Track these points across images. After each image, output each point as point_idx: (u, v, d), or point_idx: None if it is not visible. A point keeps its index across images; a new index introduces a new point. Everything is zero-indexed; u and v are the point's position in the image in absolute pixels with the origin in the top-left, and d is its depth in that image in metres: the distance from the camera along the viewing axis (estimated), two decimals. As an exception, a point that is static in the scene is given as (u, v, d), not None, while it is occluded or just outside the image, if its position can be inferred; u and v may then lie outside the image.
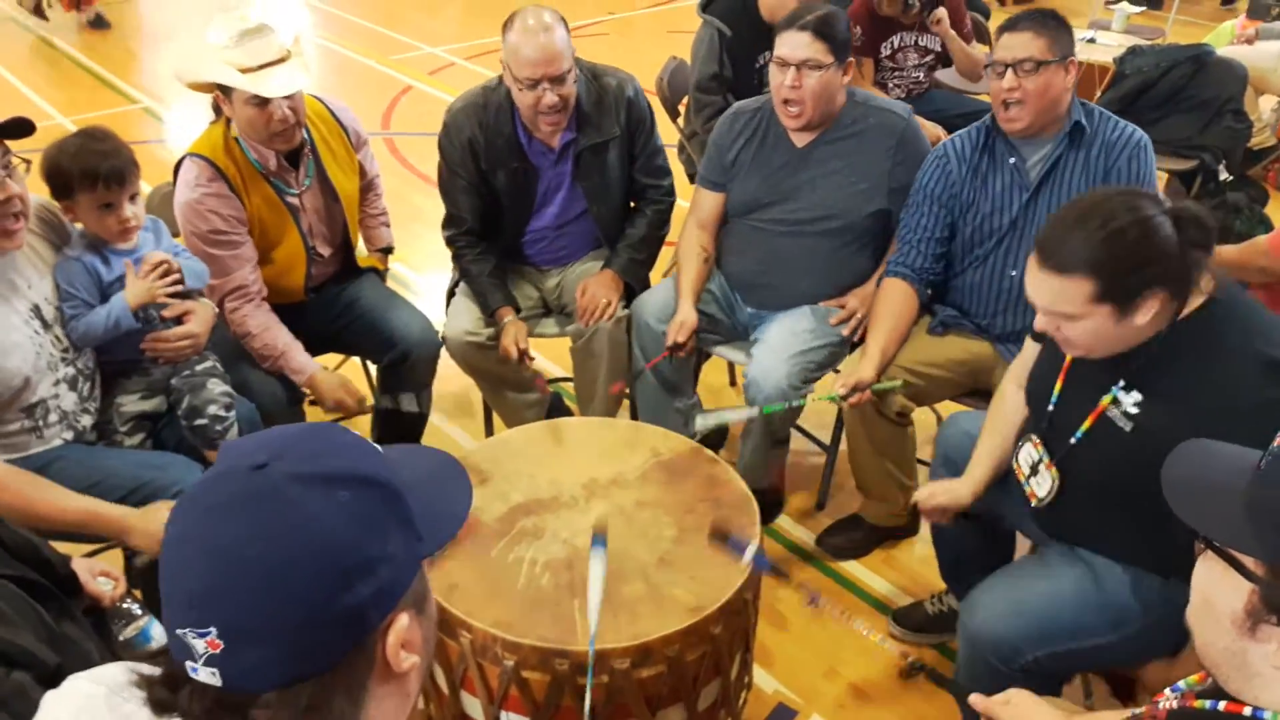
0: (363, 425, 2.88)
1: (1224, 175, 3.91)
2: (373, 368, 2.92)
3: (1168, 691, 1.16)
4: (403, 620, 0.81)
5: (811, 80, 2.37)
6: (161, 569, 0.79)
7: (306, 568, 0.76)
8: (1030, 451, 1.81)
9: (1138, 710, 1.18)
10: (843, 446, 2.64)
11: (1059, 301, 1.57)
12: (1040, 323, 1.64)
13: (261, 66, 2.22)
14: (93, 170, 2.00)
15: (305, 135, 2.42)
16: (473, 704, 1.73)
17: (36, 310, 1.96)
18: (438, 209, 2.74)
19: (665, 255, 2.91)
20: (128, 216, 2.08)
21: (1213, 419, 1.35)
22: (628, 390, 2.77)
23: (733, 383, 3.44)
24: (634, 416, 2.87)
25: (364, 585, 0.78)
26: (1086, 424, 1.69)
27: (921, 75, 3.89)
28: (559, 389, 3.24)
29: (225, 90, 2.27)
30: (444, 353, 2.70)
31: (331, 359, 2.90)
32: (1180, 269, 1.51)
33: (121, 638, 1.64)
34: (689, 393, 2.76)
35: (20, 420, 1.94)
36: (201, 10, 8.13)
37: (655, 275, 2.88)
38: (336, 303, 2.65)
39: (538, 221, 2.71)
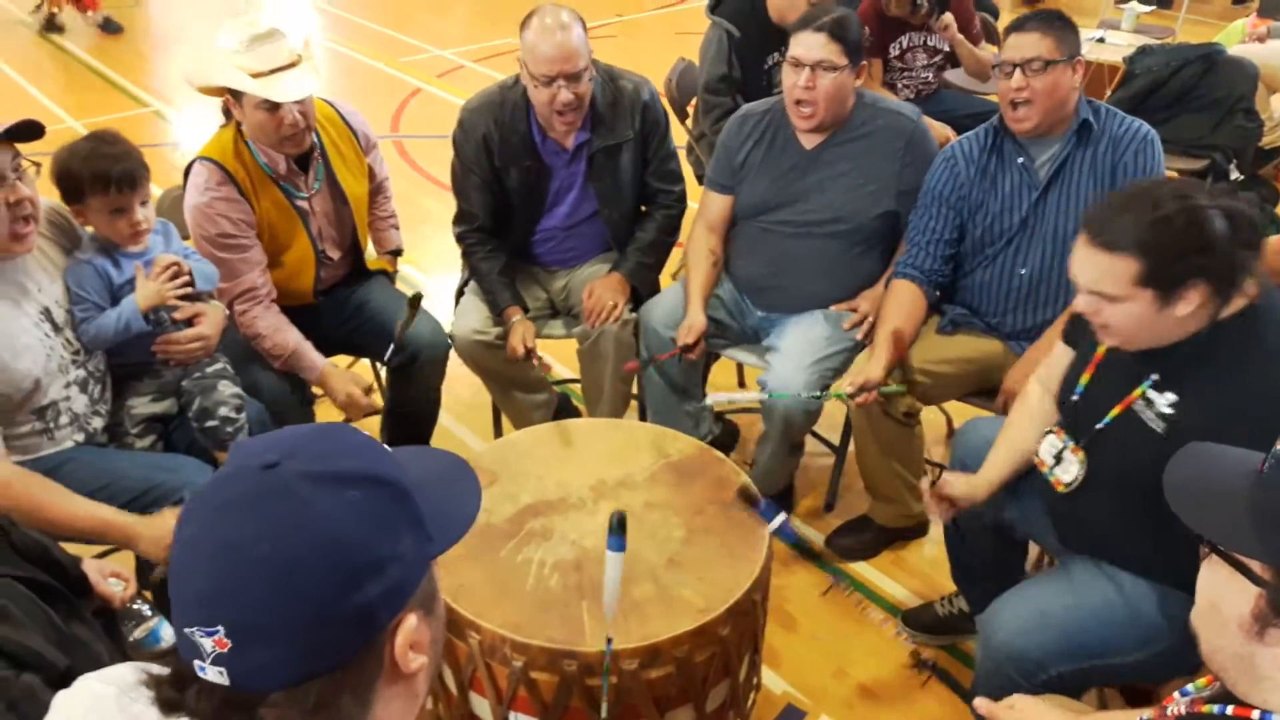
0: (372, 426, 2.88)
1: (1235, 175, 3.90)
2: (382, 369, 2.93)
3: (1176, 695, 1.15)
4: (411, 620, 0.81)
5: (825, 81, 2.37)
6: (170, 568, 0.80)
7: (316, 566, 0.76)
8: (1052, 441, 1.80)
9: (1145, 715, 1.17)
10: (851, 448, 2.64)
11: (1103, 281, 1.55)
12: (1080, 303, 1.63)
13: (272, 71, 2.23)
14: (104, 174, 2.01)
15: (315, 139, 2.43)
16: (481, 704, 1.73)
17: (47, 313, 1.97)
18: (446, 211, 2.75)
19: (674, 256, 2.90)
20: (139, 220, 2.09)
21: (1251, 425, 1.34)
22: (635, 391, 2.76)
23: (741, 384, 3.43)
24: (643, 418, 2.87)
25: (373, 585, 0.78)
26: (1115, 411, 1.67)
27: (930, 75, 3.88)
28: (567, 390, 3.25)
29: (236, 94, 2.27)
30: (453, 355, 2.70)
31: (341, 361, 2.90)
32: (1227, 266, 1.50)
33: (132, 639, 1.64)
34: (698, 395, 2.76)
35: (31, 422, 1.95)
36: (212, 14, 8.18)
37: (664, 276, 2.88)
38: (346, 305, 2.66)
39: (548, 221, 2.72)
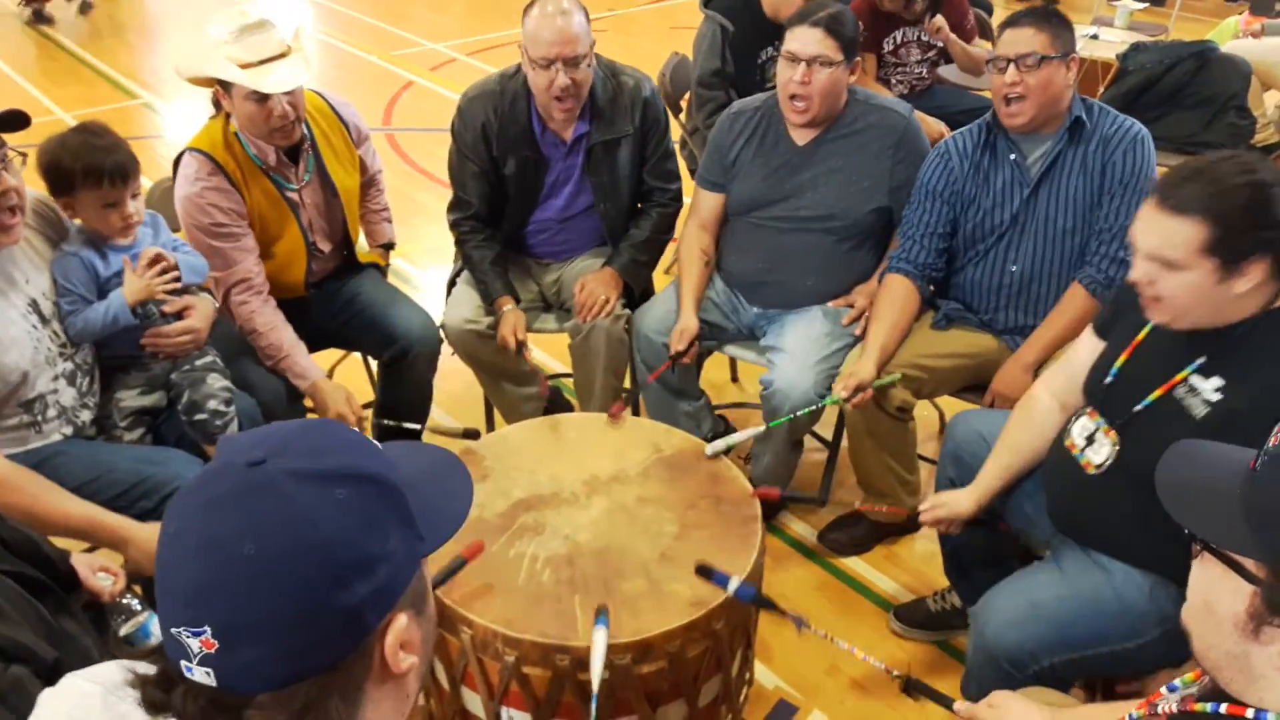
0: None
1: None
2: (373, 363, 2.91)
3: (1164, 691, 1.15)
4: (401, 620, 0.80)
5: (821, 76, 2.37)
6: (157, 566, 0.78)
7: (303, 565, 0.74)
8: (1085, 424, 1.78)
9: (1134, 713, 1.16)
10: (844, 443, 2.64)
11: (1166, 245, 1.53)
12: (1137, 270, 1.60)
13: (262, 62, 2.21)
14: (97, 167, 1.99)
15: (305, 131, 2.41)
16: (473, 699, 1.72)
17: (34, 305, 1.96)
18: (439, 205, 2.74)
19: (668, 251, 2.90)
20: (130, 213, 2.07)
21: None
22: (627, 386, 2.76)
23: (734, 379, 3.43)
24: (635, 413, 2.87)
25: (362, 584, 0.77)
26: (1156, 394, 1.65)
27: (924, 71, 3.88)
28: (559, 384, 3.24)
29: (225, 85, 2.26)
30: (444, 350, 2.69)
31: (332, 354, 2.89)
32: None
33: (121, 633, 1.63)
34: (695, 394, 2.76)
35: (19, 415, 1.93)
36: (201, 5, 8.13)
37: (657, 272, 2.87)
38: (337, 298, 2.65)
39: (542, 213, 2.72)
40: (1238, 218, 1.48)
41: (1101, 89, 4.19)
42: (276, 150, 2.37)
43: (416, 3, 9.01)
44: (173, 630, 0.76)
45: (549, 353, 3.52)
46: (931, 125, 3.53)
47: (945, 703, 1.49)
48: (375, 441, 0.88)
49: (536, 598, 1.67)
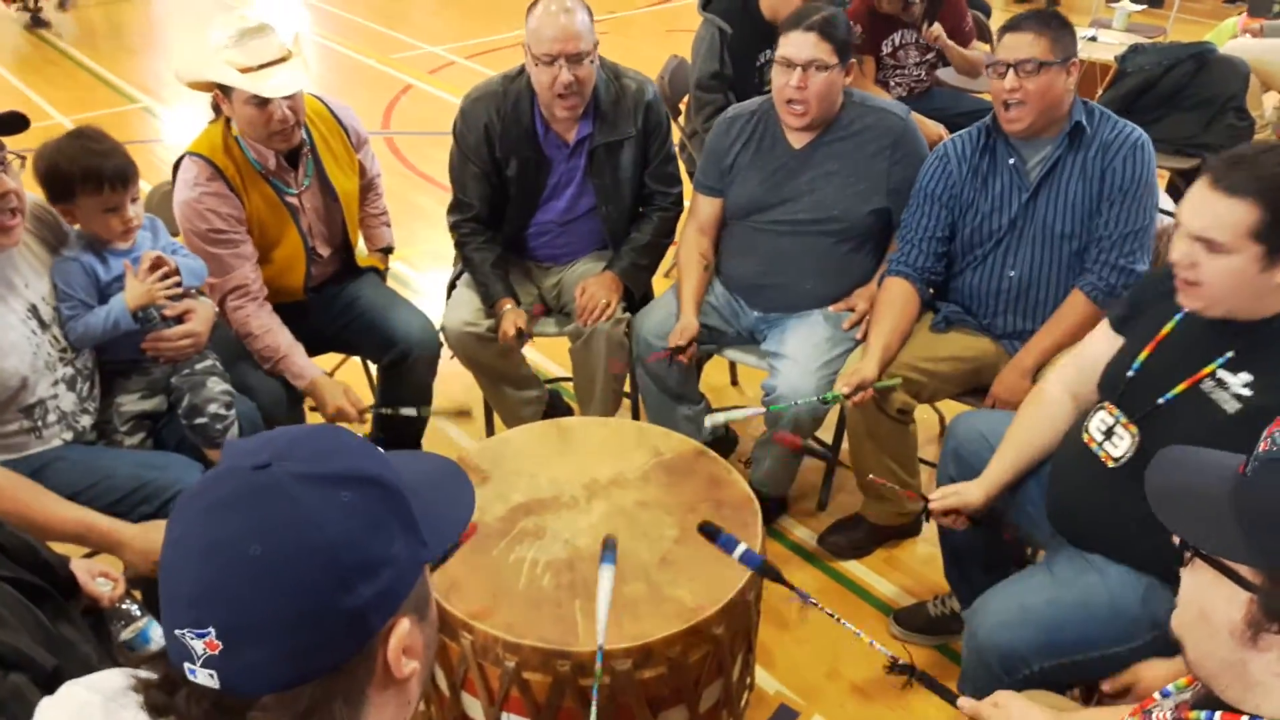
0: (361, 427, 2.87)
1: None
2: (373, 367, 2.91)
3: (1157, 696, 1.14)
4: (404, 625, 0.81)
5: (816, 81, 2.37)
6: (161, 569, 0.78)
7: (307, 567, 0.75)
8: (1103, 418, 1.76)
9: (1128, 718, 1.16)
10: (844, 447, 2.64)
11: (1214, 226, 1.52)
12: (1178, 252, 1.59)
13: (261, 66, 2.21)
14: (97, 172, 1.99)
15: (305, 135, 2.41)
16: (473, 705, 1.72)
17: (34, 310, 1.96)
18: (438, 208, 2.74)
19: (668, 254, 2.89)
20: (130, 217, 2.07)
21: None
22: (627, 390, 2.76)
23: (734, 382, 3.43)
24: (635, 417, 2.87)
25: (366, 587, 0.77)
26: (1180, 387, 1.64)
27: (923, 73, 3.88)
28: (558, 388, 3.24)
29: (225, 90, 2.26)
30: (444, 353, 2.69)
31: (332, 358, 2.89)
32: None
33: (120, 639, 1.63)
34: (695, 398, 2.76)
35: (19, 421, 1.93)
36: (200, 10, 8.14)
37: (656, 275, 2.87)
38: (336, 302, 2.65)
39: (543, 215, 2.72)
40: None
41: (1100, 91, 4.19)
42: (276, 155, 2.37)
43: (415, 6, 9.01)
44: (176, 632, 0.76)
45: (548, 356, 3.52)
46: (930, 128, 3.53)
47: (949, 697, 1.49)
48: (379, 448, 0.88)
49: (536, 602, 1.67)
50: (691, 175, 3.38)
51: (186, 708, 0.77)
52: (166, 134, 5.70)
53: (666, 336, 2.54)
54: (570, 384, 2.97)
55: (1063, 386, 1.94)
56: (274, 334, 2.41)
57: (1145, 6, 6.49)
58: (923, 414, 2.50)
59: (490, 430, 3.01)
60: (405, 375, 2.64)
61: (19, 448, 1.94)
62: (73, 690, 0.86)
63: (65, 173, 2.00)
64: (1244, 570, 0.92)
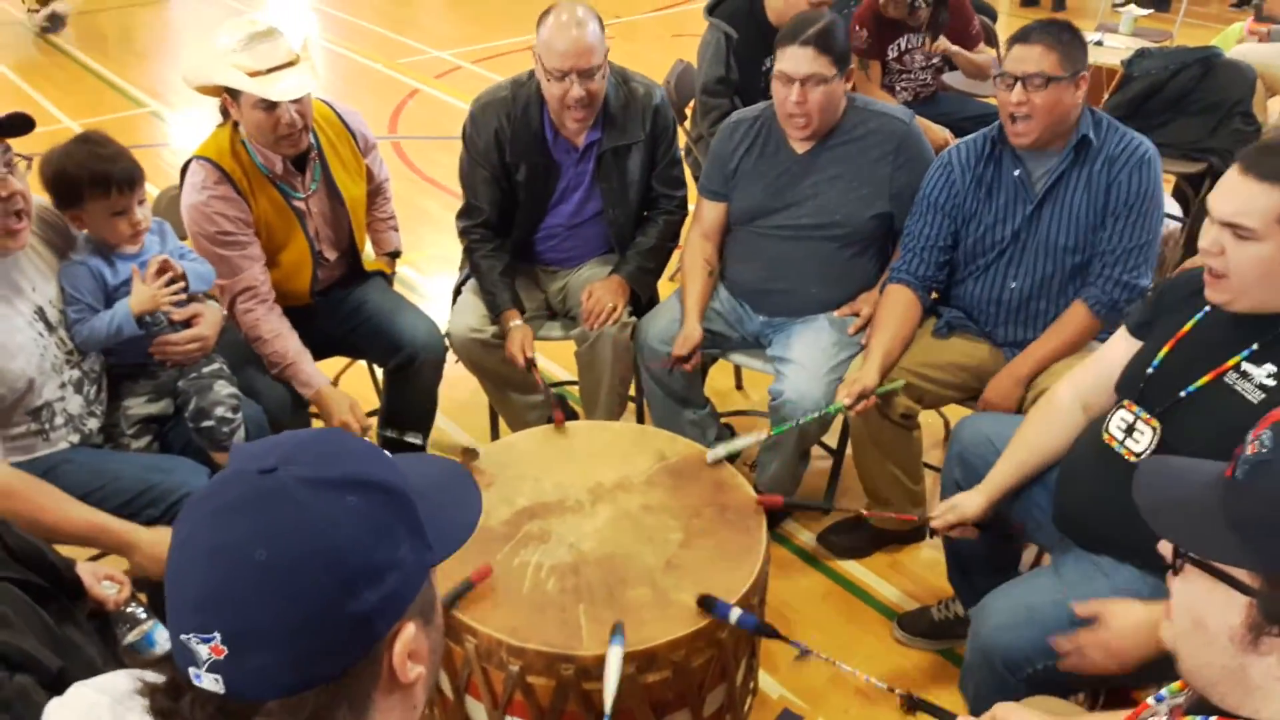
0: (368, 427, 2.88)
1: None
2: (379, 371, 2.92)
3: (1151, 702, 1.14)
4: (410, 630, 0.81)
5: (816, 94, 2.37)
6: (167, 573, 0.79)
7: (313, 571, 0.75)
8: (1124, 415, 1.76)
9: None
10: (849, 451, 2.63)
11: (1244, 212, 1.51)
12: (1206, 239, 1.58)
13: (270, 70, 2.22)
14: (105, 176, 2.00)
15: (312, 139, 2.42)
16: (477, 709, 1.72)
17: (40, 313, 1.96)
18: (444, 212, 2.75)
19: (673, 259, 2.90)
20: (138, 220, 2.08)
21: None
22: (632, 394, 2.75)
23: (739, 386, 3.43)
24: (640, 420, 2.87)
25: (372, 592, 0.77)
26: (1203, 379, 1.64)
27: (929, 77, 3.88)
28: (564, 392, 3.24)
29: (233, 93, 2.27)
30: (450, 358, 2.70)
31: (338, 362, 2.90)
32: None
33: (126, 642, 1.63)
34: (700, 402, 2.76)
35: (26, 423, 1.94)
36: (207, 14, 8.17)
37: (661, 279, 2.87)
38: (343, 306, 2.65)
39: (551, 219, 2.72)
40: None
41: (1106, 95, 4.18)
42: (283, 159, 2.38)
43: (421, 10, 9.04)
44: (182, 637, 0.76)
45: (554, 360, 3.52)
46: (936, 132, 3.53)
47: (948, 718, 1.49)
48: (386, 452, 0.88)
49: (541, 606, 1.67)
50: (697, 179, 3.39)
51: (191, 712, 0.77)
52: (174, 138, 5.72)
53: (671, 341, 2.54)
54: (575, 388, 2.97)
55: (1075, 394, 1.93)
56: (283, 339, 2.42)
57: (1151, 11, 6.48)
58: (927, 419, 2.50)
59: (495, 434, 3.01)
60: (411, 379, 2.65)
61: (26, 450, 1.95)
62: (81, 691, 0.87)
63: (72, 177, 2.00)
64: (1241, 574, 0.92)
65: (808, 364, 2.44)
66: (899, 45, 3.79)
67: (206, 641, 0.74)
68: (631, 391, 2.88)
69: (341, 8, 8.73)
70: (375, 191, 2.75)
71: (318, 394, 2.43)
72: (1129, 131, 2.25)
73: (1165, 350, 1.73)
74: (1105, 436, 1.79)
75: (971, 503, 1.95)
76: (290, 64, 2.25)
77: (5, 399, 1.88)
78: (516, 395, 2.80)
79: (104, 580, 1.65)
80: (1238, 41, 4.79)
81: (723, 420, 2.98)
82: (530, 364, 2.54)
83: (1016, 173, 2.28)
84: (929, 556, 2.69)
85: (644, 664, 1.59)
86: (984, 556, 2.18)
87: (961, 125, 3.64)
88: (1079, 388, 1.94)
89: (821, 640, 2.43)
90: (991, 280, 2.37)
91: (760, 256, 2.59)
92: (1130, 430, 1.74)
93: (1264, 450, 0.94)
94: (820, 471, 2.94)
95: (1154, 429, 1.71)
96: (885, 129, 2.49)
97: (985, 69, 3.80)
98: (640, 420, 2.96)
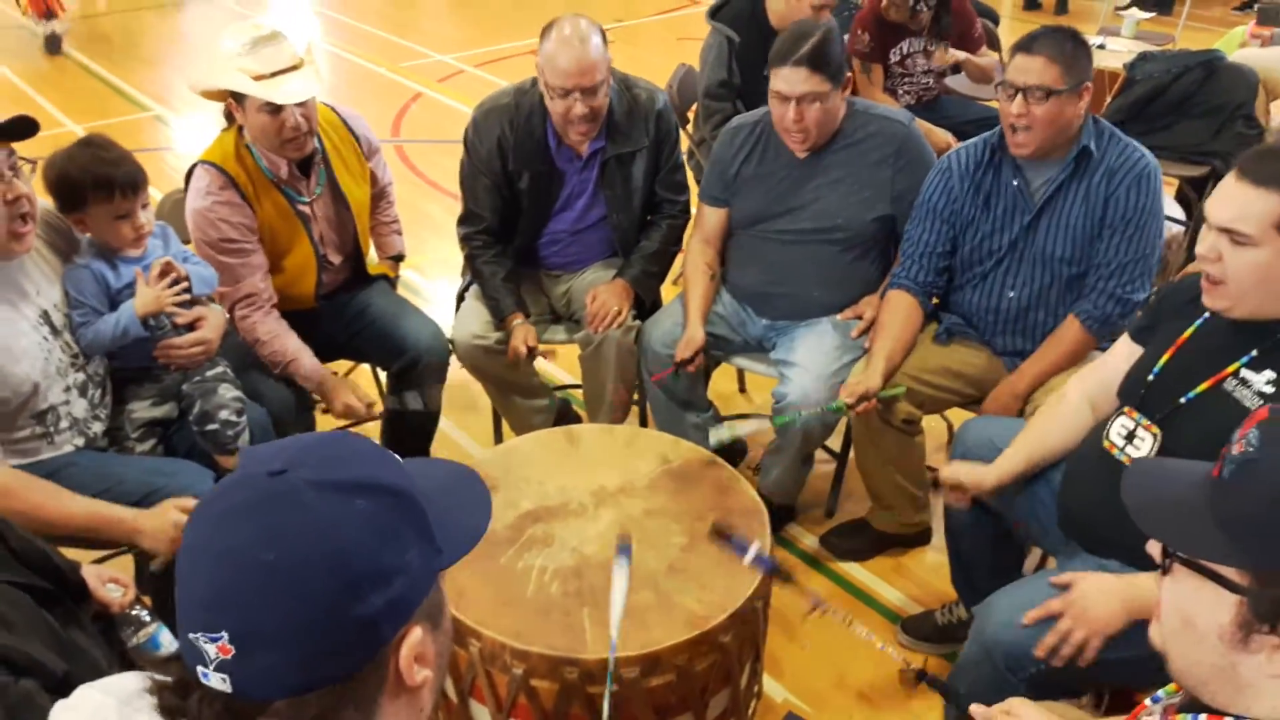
0: (371, 432, 2.88)
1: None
2: (383, 374, 2.92)
3: (1148, 702, 1.14)
4: (417, 633, 0.81)
5: (813, 111, 2.37)
6: (177, 573, 0.79)
7: (320, 573, 0.75)
8: (1124, 422, 1.76)
9: None
10: (852, 455, 2.64)
11: (1241, 218, 1.51)
12: (1204, 245, 1.58)
13: (275, 74, 2.23)
14: (108, 180, 2.01)
15: (317, 144, 2.42)
16: (481, 712, 1.72)
17: (45, 316, 1.97)
18: (447, 216, 2.74)
19: (676, 263, 2.90)
20: (142, 224, 2.09)
21: None
22: (635, 397, 2.75)
23: (742, 390, 3.43)
24: (643, 424, 2.87)
25: (378, 595, 0.77)
26: (1203, 386, 1.64)
27: (931, 81, 3.88)
28: (568, 395, 3.24)
29: (238, 97, 2.27)
30: (454, 360, 2.70)
31: (342, 366, 2.90)
32: None
33: (130, 644, 1.64)
34: (703, 405, 2.76)
35: (31, 426, 1.94)
36: (212, 19, 8.18)
37: (665, 283, 2.88)
38: (347, 310, 2.66)
39: (555, 225, 2.72)
40: None
41: (1109, 99, 4.18)
42: (288, 163, 2.38)
43: (424, 14, 9.06)
44: (190, 636, 0.76)
45: (557, 364, 3.53)
46: (938, 136, 3.54)
47: (960, 703, 1.48)
48: (394, 455, 0.88)
49: (545, 610, 1.67)
50: (699, 183, 3.39)
51: (199, 711, 0.78)
52: (178, 142, 5.73)
53: (674, 345, 2.54)
54: (579, 392, 2.98)
55: (1082, 393, 1.94)
56: (281, 339, 2.42)
57: (1154, 14, 6.49)
58: (931, 422, 2.50)
59: (499, 438, 3.01)
60: (415, 382, 2.65)
61: (31, 453, 1.95)
62: (88, 693, 0.87)
63: (76, 181, 2.01)
64: (1230, 572, 0.92)
65: (811, 367, 2.44)
66: (901, 49, 3.79)
67: (214, 641, 0.75)
68: (635, 396, 2.88)
69: (344, 11, 8.75)
70: (379, 195, 2.75)
71: (320, 384, 2.45)
72: (1130, 143, 2.23)
73: (1166, 357, 1.73)
74: (1106, 443, 1.79)
75: (982, 474, 1.95)
76: (295, 68, 2.26)
77: (10, 402, 1.88)
78: (521, 400, 2.80)
79: (109, 583, 1.65)
80: (1240, 45, 4.79)
81: (726, 424, 2.98)
82: (532, 352, 2.54)
83: (1015, 182, 2.26)
84: (933, 560, 2.69)
85: (647, 668, 1.59)
86: (987, 560, 2.19)
87: (964, 129, 3.64)
88: (1086, 388, 1.95)
89: (825, 644, 2.42)
90: (989, 289, 2.36)
91: (762, 261, 2.59)
92: (1131, 437, 1.75)
93: (1251, 449, 0.94)
94: (824, 475, 2.94)
95: (1154, 436, 1.71)
96: (885, 132, 2.48)
97: (989, 72, 3.80)
98: (644, 424, 2.96)
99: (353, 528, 0.77)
